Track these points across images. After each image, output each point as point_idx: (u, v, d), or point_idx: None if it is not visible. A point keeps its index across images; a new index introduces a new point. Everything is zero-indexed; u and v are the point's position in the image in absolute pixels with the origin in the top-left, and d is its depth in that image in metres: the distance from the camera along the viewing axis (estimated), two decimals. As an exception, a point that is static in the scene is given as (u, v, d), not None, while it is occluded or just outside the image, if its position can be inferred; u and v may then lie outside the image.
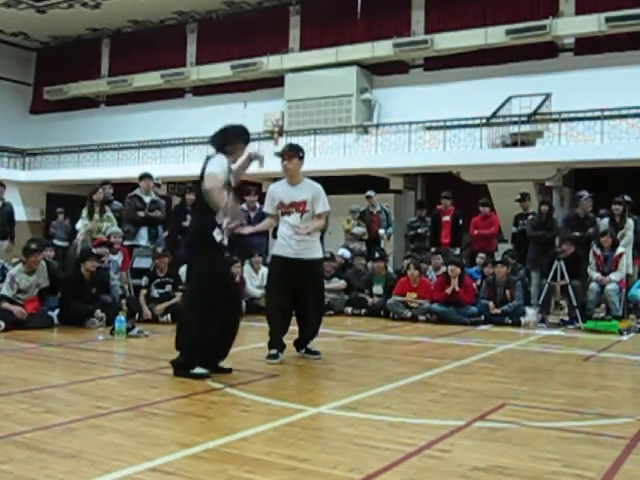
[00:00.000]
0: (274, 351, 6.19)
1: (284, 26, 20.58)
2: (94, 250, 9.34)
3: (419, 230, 12.96)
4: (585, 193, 11.30)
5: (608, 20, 15.59)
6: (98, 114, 24.20)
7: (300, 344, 6.57)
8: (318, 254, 6.43)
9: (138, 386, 5.10)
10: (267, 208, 6.47)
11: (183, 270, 9.24)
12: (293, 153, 6.28)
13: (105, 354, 6.79)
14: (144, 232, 10.68)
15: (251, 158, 5.80)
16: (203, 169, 5.45)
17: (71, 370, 5.71)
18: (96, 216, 10.24)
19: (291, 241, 6.23)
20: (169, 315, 8.97)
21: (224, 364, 5.59)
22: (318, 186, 6.36)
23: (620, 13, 15.47)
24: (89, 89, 23.69)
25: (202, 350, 5.37)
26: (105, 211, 10.40)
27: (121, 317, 7.76)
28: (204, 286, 5.33)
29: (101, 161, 22.13)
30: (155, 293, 9.24)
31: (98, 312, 8.47)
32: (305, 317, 6.47)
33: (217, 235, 5.37)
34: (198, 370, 5.30)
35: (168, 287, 9.29)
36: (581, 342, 8.38)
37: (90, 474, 3.09)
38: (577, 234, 10.77)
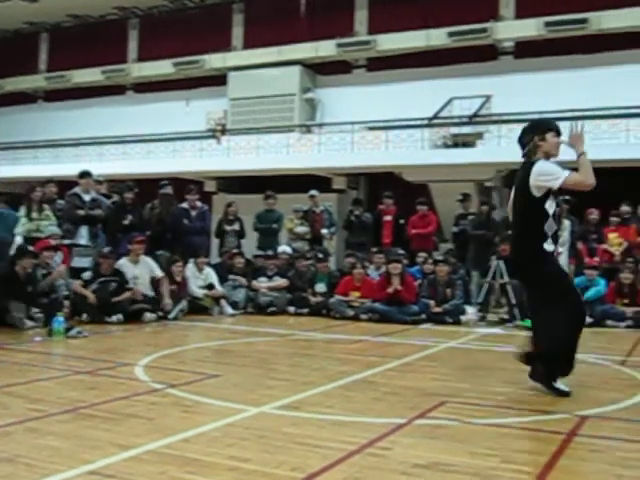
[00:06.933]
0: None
1: (227, 24, 20.49)
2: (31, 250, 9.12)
3: (352, 218, 12.72)
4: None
5: (547, 25, 15.96)
6: (36, 110, 23.68)
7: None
8: None
9: (76, 388, 5.00)
10: None
11: (120, 263, 9.22)
12: None
13: (42, 355, 6.63)
14: (84, 231, 10.47)
15: None
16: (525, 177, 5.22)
17: (6, 372, 5.56)
18: (34, 214, 10.01)
19: None
20: (120, 315, 8.85)
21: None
22: None
23: (559, 18, 15.83)
24: (26, 84, 23.19)
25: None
26: (43, 209, 10.16)
27: (59, 317, 7.59)
28: (558, 292, 5.13)
29: (39, 158, 21.64)
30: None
31: (33, 311, 8.28)
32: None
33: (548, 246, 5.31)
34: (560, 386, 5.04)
35: (114, 285, 9.15)
36: (520, 340, 8.52)
37: (27, 478, 3.03)
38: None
